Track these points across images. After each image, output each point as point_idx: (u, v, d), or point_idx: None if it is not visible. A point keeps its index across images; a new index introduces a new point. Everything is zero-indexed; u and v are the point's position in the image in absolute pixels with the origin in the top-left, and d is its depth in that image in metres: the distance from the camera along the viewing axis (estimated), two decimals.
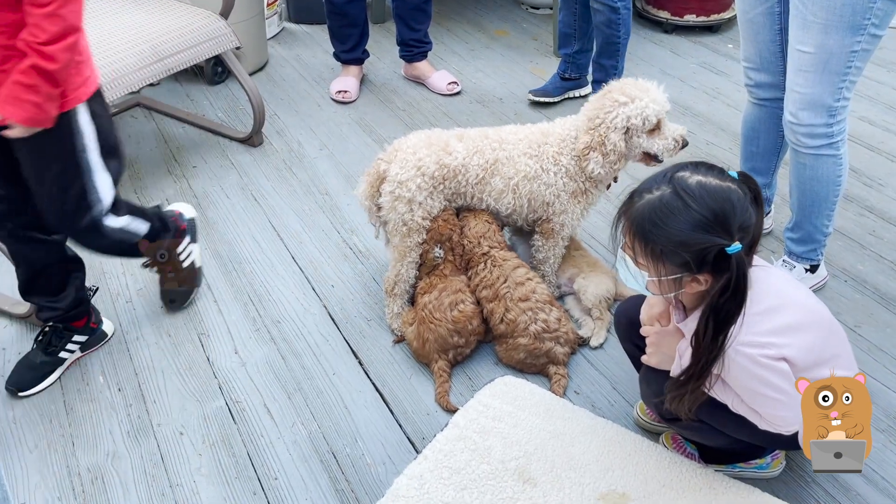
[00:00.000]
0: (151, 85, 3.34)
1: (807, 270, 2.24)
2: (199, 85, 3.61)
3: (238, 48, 2.88)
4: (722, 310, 1.40)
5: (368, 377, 2.10)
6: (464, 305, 2.05)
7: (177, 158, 3.06)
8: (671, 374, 1.56)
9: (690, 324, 1.50)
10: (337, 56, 3.52)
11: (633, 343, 1.80)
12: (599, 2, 2.98)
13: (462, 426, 1.81)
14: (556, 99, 3.37)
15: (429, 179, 2.05)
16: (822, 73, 1.90)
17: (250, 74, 3.65)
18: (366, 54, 3.56)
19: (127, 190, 2.86)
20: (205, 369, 2.13)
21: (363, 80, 3.61)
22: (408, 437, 1.93)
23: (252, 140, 3.12)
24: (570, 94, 3.41)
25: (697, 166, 1.46)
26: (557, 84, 3.37)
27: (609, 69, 3.13)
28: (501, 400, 1.87)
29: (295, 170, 2.99)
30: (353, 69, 3.53)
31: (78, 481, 1.84)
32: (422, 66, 3.55)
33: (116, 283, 2.43)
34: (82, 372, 2.13)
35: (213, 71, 3.58)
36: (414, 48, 3.51)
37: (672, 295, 1.49)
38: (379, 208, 2.12)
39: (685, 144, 2.03)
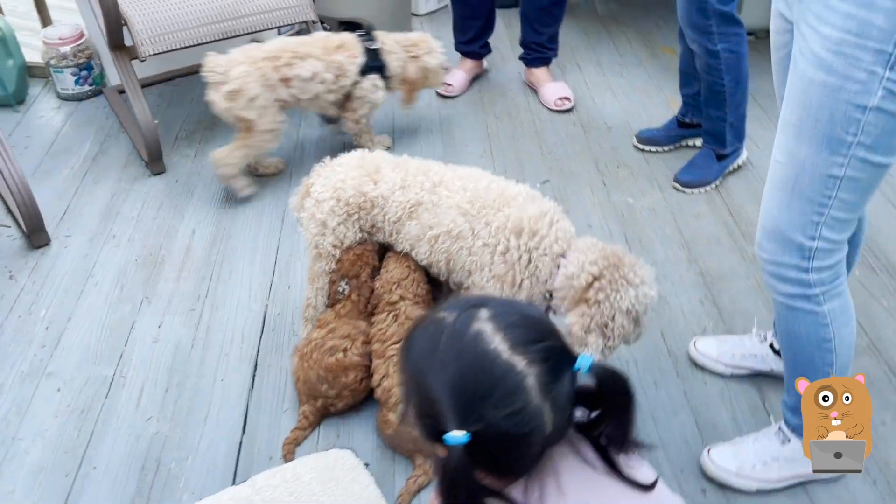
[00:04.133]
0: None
1: None
2: None
3: (314, 23, 2.79)
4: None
5: (249, 396, 1.95)
6: (342, 355, 1.80)
7: None
8: None
9: None
10: (456, 46, 3.29)
11: None
12: (695, 41, 2.41)
13: (256, 489, 1.60)
14: (665, 148, 2.83)
15: (343, 205, 1.81)
16: (790, 195, 1.35)
17: None
18: (485, 49, 3.28)
19: (193, 142, 2.96)
20: (123, 333, 2.13)
21: (482, 76, 3.35)
22: (235, 474, 1.77)
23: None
24: (686, 142, 2.85)
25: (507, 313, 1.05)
26: (672, 131, 2.83)
27: (716, 120, 2.55)
28: (318, 476, 1.61)
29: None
30: (468, 63, 3.28)
31: None
32: (538, 73, 3.20)
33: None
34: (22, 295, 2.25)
35: None
36: (533, 52, 3.17)
37: None
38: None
39: None
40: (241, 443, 1.84)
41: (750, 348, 1.92)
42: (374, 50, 2.60)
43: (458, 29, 3.23)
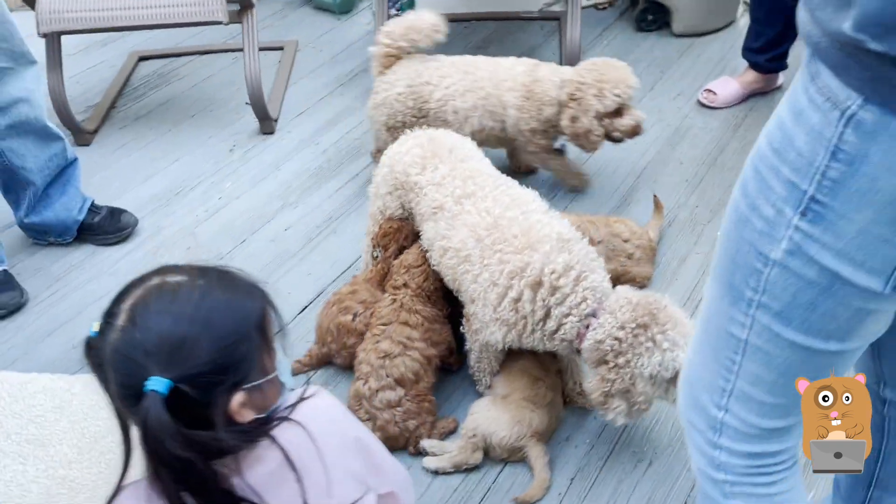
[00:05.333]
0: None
1: None
2: (628, 27, 3.36)
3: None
4: None
5: (296, 317, 2.11)
6: (352, 318, 1.82)
7: None
8: None
9: None
10: (742, 51, 2.82)
11: None
12: None
13: None
14: None
15: (392, 177, 1.81)
16: (702, 340, 1.00)
17: (701, 34, 3.22)
18: (777, 63, 2.76)
19: None
20: (259, 223, 2.43)
21: (767, 93, 2.83)
22: None
23: None
24: None
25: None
26: None
27: None
28: None
29: None
30: (750, 75, 2.80)
31: None
32: None
33: None
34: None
35: (642, 17, 3.28)
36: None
37: None
38: None
39: None
40: None
41: None
42: None
43: (750, 32, 2.75)
